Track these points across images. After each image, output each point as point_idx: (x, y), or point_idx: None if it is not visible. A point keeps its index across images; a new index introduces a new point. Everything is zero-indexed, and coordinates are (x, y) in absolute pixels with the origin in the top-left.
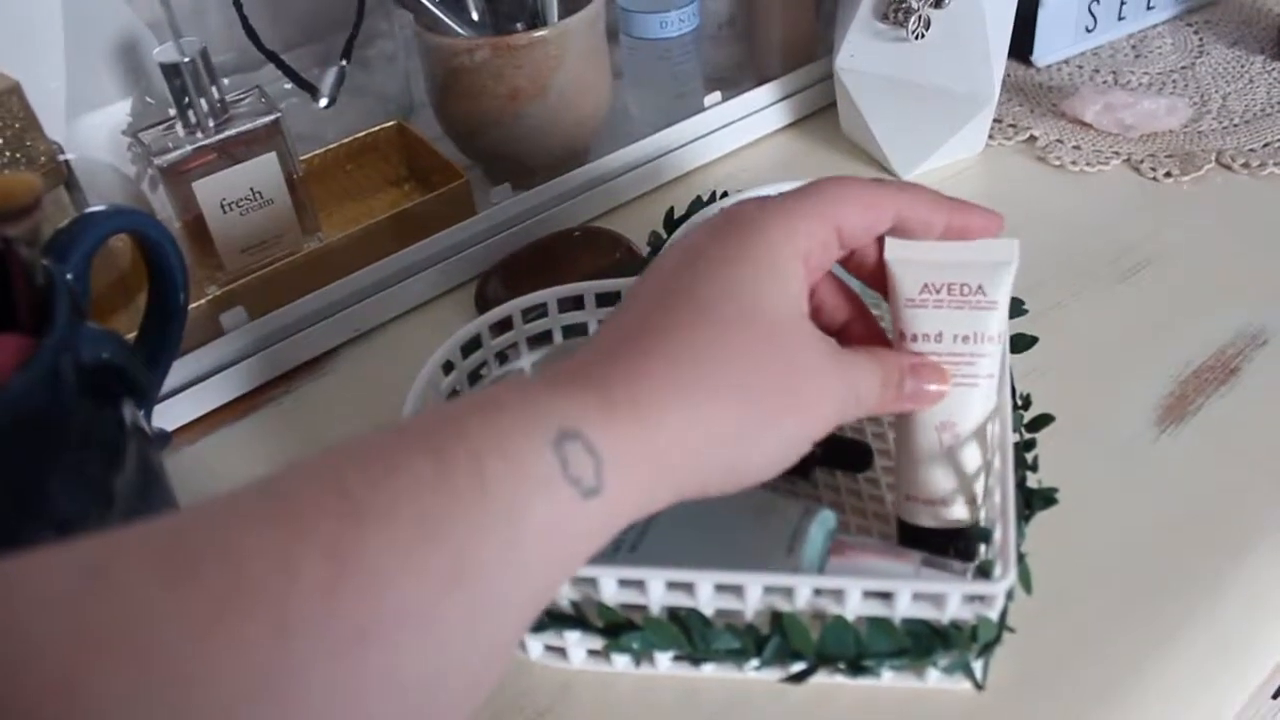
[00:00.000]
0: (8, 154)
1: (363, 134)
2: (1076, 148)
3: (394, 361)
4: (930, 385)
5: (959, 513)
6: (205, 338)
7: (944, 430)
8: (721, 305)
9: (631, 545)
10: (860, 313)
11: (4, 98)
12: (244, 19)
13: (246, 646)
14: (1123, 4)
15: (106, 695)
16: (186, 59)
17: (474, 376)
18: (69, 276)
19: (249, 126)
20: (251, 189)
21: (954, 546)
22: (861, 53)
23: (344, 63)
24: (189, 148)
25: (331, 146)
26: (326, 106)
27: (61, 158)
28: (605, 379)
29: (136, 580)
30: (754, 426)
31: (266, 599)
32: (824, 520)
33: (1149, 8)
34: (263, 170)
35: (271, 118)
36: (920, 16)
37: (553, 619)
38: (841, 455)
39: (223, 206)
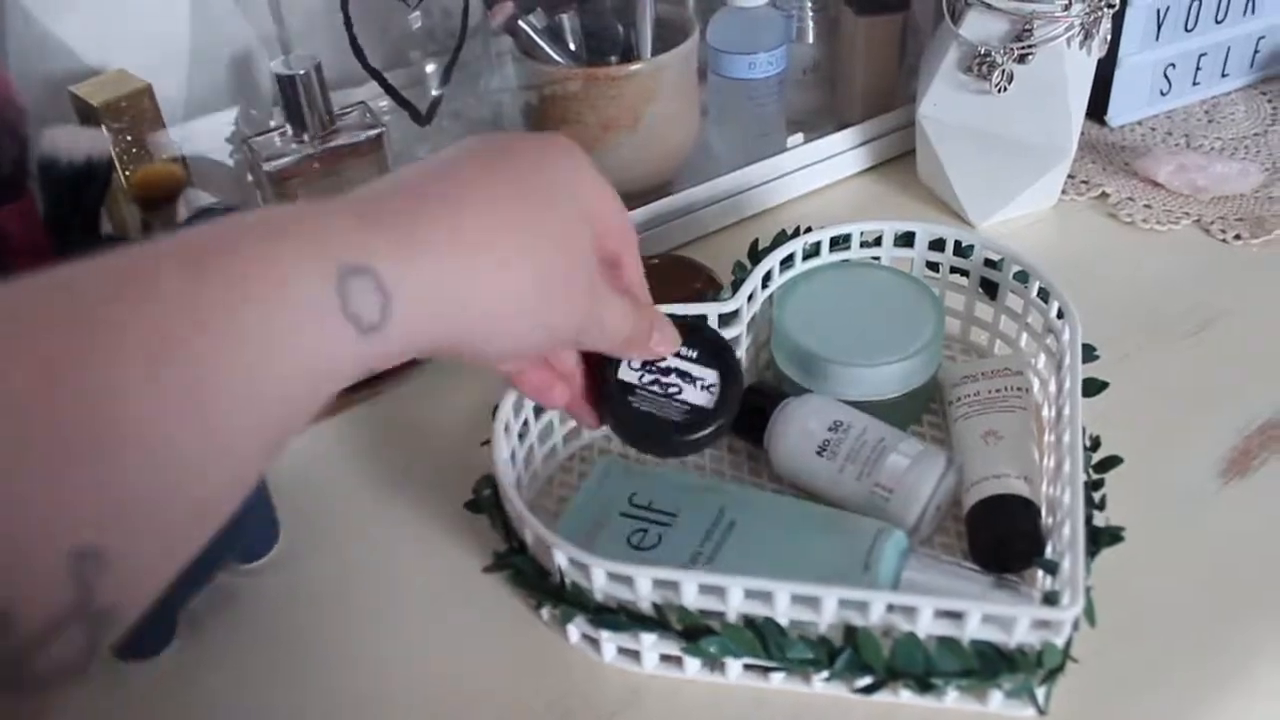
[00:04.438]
0: (135, 149)
1: None
2: (1148, 206)
3: (478, 371)
4: (661, 345)
5: (1016, 486)
6: None
7: (989, 435)
8: (539, 190)
9: (708, 558)
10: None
11: (137, 97)
12: (353, 38)
13: None
14: (1198, 70)
15: None
16: (301, 72)
17: None
18: None
19: (354, 139)
20: None
21: (1017, 524)
22: (944, 102)
23: (444, 86)
24: (296, 155)
25: None
26: (424, 125)
27: (180, 155)
28: (415, 216)
29: None
30: (532, 302)
31: None
32: (898, 541)
33: (1223, 75)
34: (363, 180)
35: (375, 132)
36: (1004, 71)
37: (631, 619)
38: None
39: None
